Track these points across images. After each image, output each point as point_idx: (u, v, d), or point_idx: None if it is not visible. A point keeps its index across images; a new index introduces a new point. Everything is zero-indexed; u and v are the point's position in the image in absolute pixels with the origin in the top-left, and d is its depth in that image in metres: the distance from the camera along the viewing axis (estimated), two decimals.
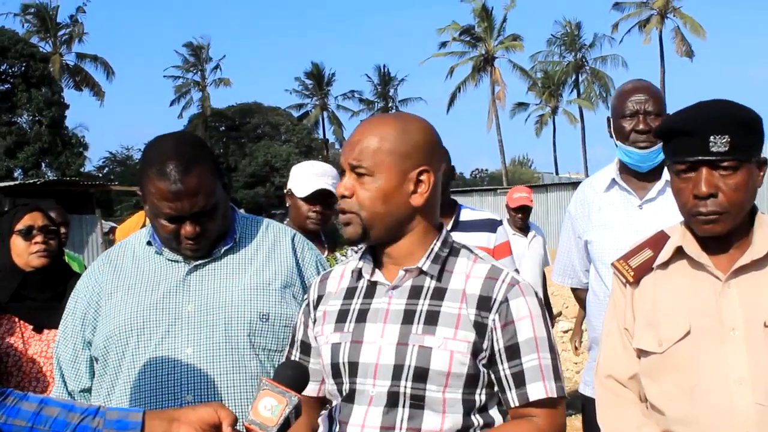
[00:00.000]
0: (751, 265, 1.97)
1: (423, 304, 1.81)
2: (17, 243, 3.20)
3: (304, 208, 3.37)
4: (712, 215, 1.95)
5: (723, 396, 1.92)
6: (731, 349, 1.94)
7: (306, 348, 1.99)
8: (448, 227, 3.38)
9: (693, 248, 2.02)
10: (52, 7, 45.07)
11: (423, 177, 1.83)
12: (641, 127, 2.94)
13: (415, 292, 1.83)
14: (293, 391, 1.64)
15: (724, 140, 1.91)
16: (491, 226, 3.52)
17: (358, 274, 1.91)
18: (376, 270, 1.89)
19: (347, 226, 1.84)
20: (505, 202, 6.77)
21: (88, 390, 2.27)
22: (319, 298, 1.97)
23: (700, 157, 1.93)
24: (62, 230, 4.33)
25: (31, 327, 3.18)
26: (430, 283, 1.84)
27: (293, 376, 1.68)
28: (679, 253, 2.05)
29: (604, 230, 3.08)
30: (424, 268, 1.84)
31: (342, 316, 1.89)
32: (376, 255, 1.91)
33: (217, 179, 2.20)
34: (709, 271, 2.00)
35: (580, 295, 3.45)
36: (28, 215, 3.22)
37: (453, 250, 1.90)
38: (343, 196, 1.84)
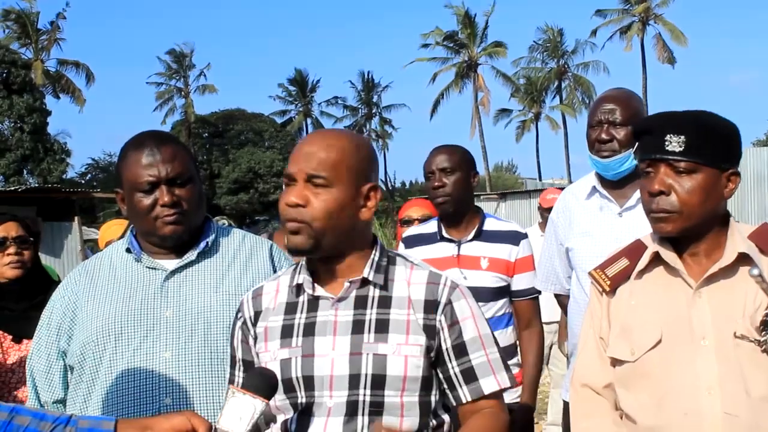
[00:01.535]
0: (720, 273, 1.99)
1: (371, 314, 1.86)
2: None
3: None
4: (661, 213, 1.98)
5: (692, 405, 1.94)
6: (701, 359, 1.96)
7: (249, 366, 1.98)
8: (470, 236, 3.40)
9: (669, 254, 2.04)
10: (33, 12, 44.81)
11: (372, 193, 1.90)
12: (603, 136, 2.99)
13: (361, 302, 1.88)
14: (261, 397, 1.65)
15: (680, 140, 1.94)
16: (515, 238, 3.45)
17: (297, 289, 1.93)
18: (316, 285, 1.92)
19: (295, 235, 1.85)
20: (486, 208, 6.78)
21: (62, 401, 2.28)
22: (257, 314, 1.97)
23: (656, 155, 1.98)
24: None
25: (10, 337, 3.16)
26: (374, 293, 1.88)
27: (261, 383, 1.69)
28: (656, 259, 2.07)
29: (584, 238, 3.10)
30: (370, 278, 1.88)
31: (287, 332, 1.90)
32: (313, 269, 1.93)
33: (192, 163, 2.29)
34: (683, 277, 2.02)
35: (563, 301, 3.46)
36: (2, 226, 3.18)
37: (390, 259, 1.95)
38: (297, 205, 1.84)
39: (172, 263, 2.27)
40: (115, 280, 2.28)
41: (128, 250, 2.30)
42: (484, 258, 3.38)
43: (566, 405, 3.20)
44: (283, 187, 1.91)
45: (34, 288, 3.20)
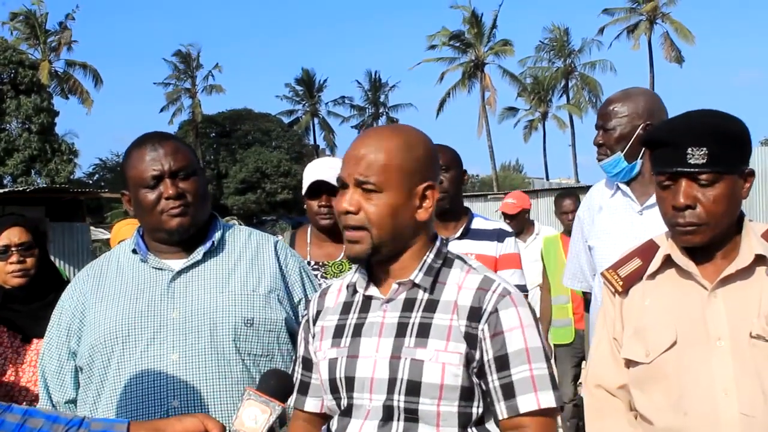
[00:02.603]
0: (737, 274, 1.97)
1: (415, 317, 1.80)
2: None
3: (311, 205, 3.29)
4: (689, 226, 1.96)
5: (709, 406, 1.92)
6: (717, 360, 1.94)
7: (308, 364, 1.97)
8: (458, 234, 3.43)
9: (681, 257, 2.03)
10: (41, 14, 44.92)
11: (428, 192, 1.83)
12: (597, 140, 3.08)
13: (408, 305, 1.82)
14: (277, 400, 1.64)
15: (702, 152, 1.91)
16: (499, 235, 3.53)
17: (353, 289, 1.90)
18: (371, 284, 1.87)
19: (355, 244, 1.80)
20: (494, 207, 6.82)
21: (74, 401, 2.29)
22: (318, 313, 1.96)
23: (677, 169, 1.95)
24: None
25: (20, 337, 3.16)
26: (422, 296, 1.82)
27: (277, 385, 1.68)
28: (668, 261, 2.06)
29: (605, 236, 3.11)
30: (417, 281, 1.82)
31: (339, 332, 1.87)
32: (370, 268, 1.89)
33: (195, 159, 2.30)
34: (697, 280, 2.00)
35: (590, 299, 3.47)
36: (5, 232, 3.14)
37: (447, 260, 1.88)
38: (348, 212, 1.79)
39: (178, 263, 2.27)
40: (122, 280, 2.28)
41: (134, 251, 2.30)
42: (470, 256, 3.42)
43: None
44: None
45: (43, 288, 3.19)
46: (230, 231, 2.39)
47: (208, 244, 2.29)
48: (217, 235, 2.32)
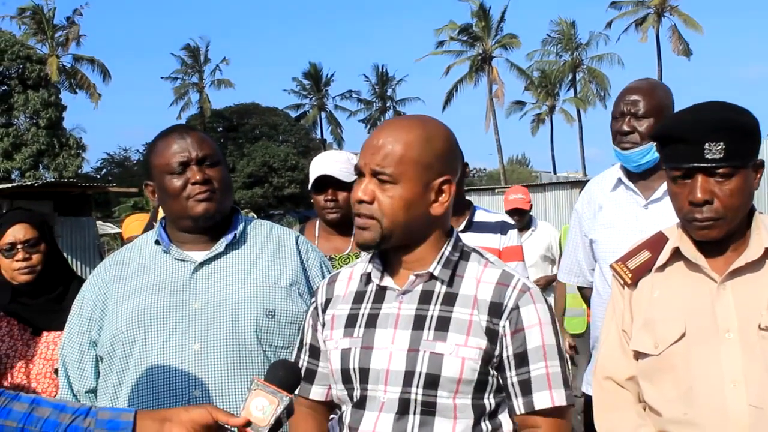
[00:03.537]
0: (746, 267, 1.97)
1: (434, 310, 1.79)
2: (1, 259, 3.16)
3: (317, 200, 3.29)
4: (707, 221, 1.96)
5: (717, 398, 1.93)
6: (726, 352, 1.94)
7: (315, 352, 1.97)
8: (461, 227, 3.43)
9: (690, 250, 2.03)
10: (49, 9, 45.01)
11: (444, 187, 1.81)
12: (624, 128, 3.00)
13: (426, 297, 1.81)
14: (285, 391, 1.64)
15: (719, 147, 1.91)
16: (502, 228, 3.55)
17: (367, 278, 1.89)
18: (385, 274, 1.87)
19: (363, 230, 1.80)
20: (502, 201, 6.79)
21: (94, 391, 2.30)
22: (327, 301, 1.95)
23: (695, 164, 1.94)
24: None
25: (30, 330, 3.17)
26: (440, 288, 1.82)
27: (285, 376, 1.67)
28: (677, 254, 2.06)
29: (608, 229, 3.09)
30: (435, 273, 1.82)
31: (351, 321, 1.87)
32: (384, 259, 1.89)
33: (220, 150, 2.33)
34: (705, 272, 2.00)
35: (586, 294, 3.46)
36: (10, 229, 3.13)
37: (464, 254, 1.87)
38: (362, 201, 1.79)
39: (200, 255, 2.28)
40: (145, 271, 2.30)
41: (157, 242, 2.32)
42: None
43: (587, 398, 3.19)
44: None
45: (51, 282, 3.19)
46: (252, 224, 2.40)
47: (231, 236, 2.30)
48: (240, 227, 2.34)
